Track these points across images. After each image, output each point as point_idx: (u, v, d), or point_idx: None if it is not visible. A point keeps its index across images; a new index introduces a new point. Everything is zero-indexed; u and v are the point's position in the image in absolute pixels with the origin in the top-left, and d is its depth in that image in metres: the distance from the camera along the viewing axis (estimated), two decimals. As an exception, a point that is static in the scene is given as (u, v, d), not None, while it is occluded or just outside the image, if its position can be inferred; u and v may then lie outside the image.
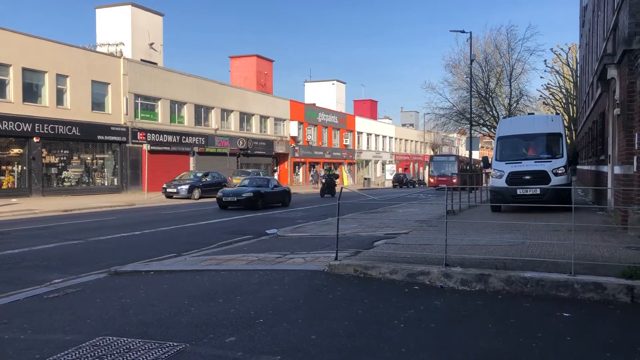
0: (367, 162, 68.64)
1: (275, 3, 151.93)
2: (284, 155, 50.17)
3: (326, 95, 67.05)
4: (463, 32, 35.02)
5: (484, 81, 43.02)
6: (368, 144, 68.85)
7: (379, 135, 71.59)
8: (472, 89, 37.47)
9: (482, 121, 44.80)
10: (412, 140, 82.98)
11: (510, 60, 42.02)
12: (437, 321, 5.27)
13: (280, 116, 50.26)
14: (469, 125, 37.45)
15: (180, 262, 8.92)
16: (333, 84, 67.94)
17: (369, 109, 76.54)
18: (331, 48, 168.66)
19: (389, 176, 62.42)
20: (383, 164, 70.83)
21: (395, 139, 76.97)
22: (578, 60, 40.00)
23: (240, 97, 44.70)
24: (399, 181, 57.69)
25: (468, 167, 42.24)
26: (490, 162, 15.99)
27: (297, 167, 53.18)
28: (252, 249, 10.50)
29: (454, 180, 35.07)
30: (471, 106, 37.00)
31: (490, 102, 43.11)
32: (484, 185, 23.76)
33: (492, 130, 42.61)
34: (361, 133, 66.69)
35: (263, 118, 47.62)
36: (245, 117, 45.20)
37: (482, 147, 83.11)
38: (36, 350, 4.45)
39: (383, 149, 72.96)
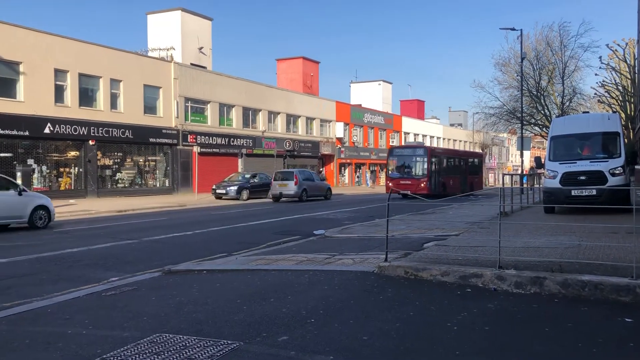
0: (414, 162, 67.85)
1: (322, 4, 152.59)
2: (329, 157, 50.28)
3: (372, 95, 66.79)
4: (513, 29, 34.20)
5: (535, 79, 41.81)
6: (415, 144, 68.12)
7: (426, 136, 70.75)
8: (523, 88, 36.47)
9: (533, 120, 43.47)
10: (460, 141, 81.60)
11: (563, 58, 40.64)
12: (491, 324, 5.17)
13: (326, 117, 50.39)
14: (519, 124, 36.53)
15: (231, 262, 9.07)
16: (379, 84, 67.62)
17: (416, 109, 75.77)
18: (377, 48, 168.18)
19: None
20: (430, 165, 69.87)
21: (443, 139, 75.89)
22: (636, 56, 38.40)
23: (287, 99, 45.09)
24: None
25: (462, 164, 37.27)
26: (543, 162, 15.53)
27: (342, 168, 53.20)
28: (300, 249, 10.56)
29: (422, 185, 30.03)
30: (522, 105, 36.07)
31: (542, 100, 41.84)
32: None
33: (543, 129, 41.20)
34: (408, 133, 66.11)
35: (309, 119, 47.86)
36: (291, 119, 45.55)
37: (534, 147, 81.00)
38: (97, 345, 4.61)
39: (430, 150, 71.96)
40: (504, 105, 43.51)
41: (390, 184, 30.12)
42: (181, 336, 4.79)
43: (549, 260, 7.25)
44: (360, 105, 60.55)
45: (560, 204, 14.19)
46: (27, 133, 25.47)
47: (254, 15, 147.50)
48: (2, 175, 16.13)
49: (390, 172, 32.17)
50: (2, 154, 24.96)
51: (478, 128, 65.26)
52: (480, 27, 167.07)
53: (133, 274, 8.38)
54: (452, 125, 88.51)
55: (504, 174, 18.64)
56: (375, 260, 8.33)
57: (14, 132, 24.99)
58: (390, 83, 70.14)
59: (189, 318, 5.49)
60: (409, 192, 26.15)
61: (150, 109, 32.60)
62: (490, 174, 78.72)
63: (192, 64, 37.29)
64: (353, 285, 6.89)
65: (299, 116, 46.42)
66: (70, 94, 27.92)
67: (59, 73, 27.42)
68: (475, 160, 41.08)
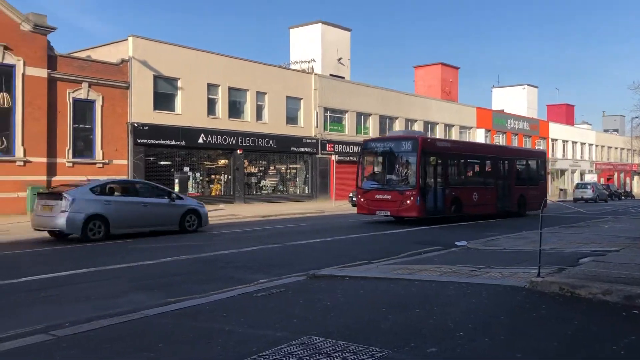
0: (563, 171, 63.41)
1: (460, 10, 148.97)
2: (469, 165, 48.63)
3: (516, 100, 63.64)
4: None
5: None
6: (564, 151, 63.64)
7: (576, 143, 65.77)
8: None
9: None
10: (616, 148, 74.72)
11: None
12: (668, 352, 4.63)
13: (466, 124, 48.90)
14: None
15: (373, 270, 9.11)
16: (523, 88, 64.26)
17: (564, 113, 70.74)
18: (521, 51, 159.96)
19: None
20: (581, 174, 64.83)
21: (596, 146, 69.98)
22: None
23: (424, 106, 44.50)
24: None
25: (500, 167, 23.55)
26: None
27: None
28: (442, 260, 10.31)
29: (408, 202, 18.36)
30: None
31: None
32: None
33: None
34: (555, 140, 61.92)
35: (448, 126, 46.78)
36: (429, 126, 44.84)
37: None
38: (253, 343, 4.86)
39: (581, 157, 66.82)
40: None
41: (362, 200, 19.79)
42: (330, 340, 4.88)
43: None
44: (502, 110, 58.01)
45: None
46: (183, 143, 27.85)
47: (391, 23, 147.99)
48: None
49: (362, 180, 20.30)
50: (162, 162, 27.52)
51: (638, 134, 59.34)
52: (636, 24, 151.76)
53: (280, 276, 8.74)
54: (605, 131, 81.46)
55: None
56: (525, 274, 7.88)
57: (173, 142, 27.45)
58: (536, 87, 66.36)
59: (336, 323, 5.59)
60: (388, 213, 19.17)
61: (291, 119, 34.05)
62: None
63: (331, 75, 38.32)
64: (503, 300, 6.57)
65: (437, 123, 45.55)
66: (221, 107, 30.06)
67: (211, 87, 29.64)
68: (529, 161, 26.83)
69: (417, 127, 43.29)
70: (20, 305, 7.07)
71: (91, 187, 14.42)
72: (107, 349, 4.90)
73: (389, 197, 18.86)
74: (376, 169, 20.67)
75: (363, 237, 15.44)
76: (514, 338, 5.04)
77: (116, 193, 15.08)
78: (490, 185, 22.67)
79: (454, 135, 47.13)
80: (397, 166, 19.55)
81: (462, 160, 21.96)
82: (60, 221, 13.55)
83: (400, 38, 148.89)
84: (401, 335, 5.10)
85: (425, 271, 8.65)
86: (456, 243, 13.25)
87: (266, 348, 4.69)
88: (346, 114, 37.47)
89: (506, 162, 24.11)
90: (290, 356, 4.45)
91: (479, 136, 49.38)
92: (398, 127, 41.28)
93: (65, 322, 5.85)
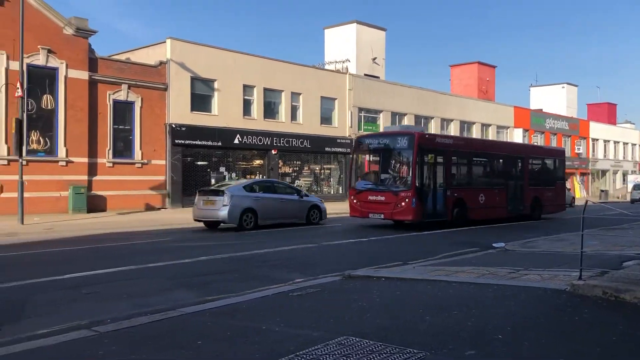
0: (604, 172, 61.69)
1: (498, 8, 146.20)
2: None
3: (555, 99, 62.22)
4: None
5: None
6: (605, 152, 61.88)
7: (618, 142, 63.89)
8: None
9: None
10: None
11: None
12: None
13: (503, 124, 48.06)
14: None
15: (408, 271, 9.04)
16: (563, 87, 62.77)
17: (606, 113, 68.75)
18: (560, 49, 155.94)
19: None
20: (624, 175, 62.92)
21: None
22: None
23: (460, 106, 43.92)
24: None
25: (512, 167, 21.87)
26: None
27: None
28: (480, 261, 10.16)
29: (403, 204, 16.84)
30: None
31: None
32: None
33: None
34: (596, 140, 60.29)
35: (484, 126, 46.05)
36: (465, 126, 44.22)
37: None
38: (290, 342, 4.89)
39: (624, 158, 64.88)
40: None
41: (354, 201, 18.46)
42: (367, 341, 4.87)
43: None
44: (541, 110, 56.80)
45: None
46: (219, 143, 28.18)
47: (427, 22, 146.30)
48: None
49: (355, 180, 19.24)
50: (199, 162, 27.92)
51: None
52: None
53: (315, 276, 8.76)
54: (650, 130, 78.70)
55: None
56: (566, 277, 7.69)
57: (209, 143, 27.80)
58: (576, 85, 64.73)
59: (372, 323, 5.57)
60: (382, 216, 17.58)
61: (326, 119, 34.08)
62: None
63: (365, 75, 38.20)
64: (543, 303, 6.43)
65: (474, 123, 44.89)
66: (256, 107, 30.30)
67: (247, 88, 29.92)
68: (546, 160, 24.89)
69: (453, 126, 42.76)
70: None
71: (243, 185, 17.56)
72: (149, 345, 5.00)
73: (382, 198, 17.48)
74: (370, 168, 19.39)
75: (397, 237, 15.35)
76: (556, 342, 4.92)
77: (260, 191, 17.80)
78: (499, 185, 20.83)
79: (491, 135, 46.38)
80: (392, 165, 18.14)
81: (467, 159, 20.06)
82: (223, 213, 16.25)
83: (436, 37, 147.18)
84: (439, 337, 5.04)
85: (462, 273, 8.54)
86: (493, 244, 13.07)
87: (303, 347, 4.71)
88: (381, 114, 37.29)
89: (518, 160, 22.30)
90: (327, 356, 4.45)
91: (516, 136, 48.50)
92: (434, 126, 40.87)
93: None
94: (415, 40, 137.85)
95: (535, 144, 46.81)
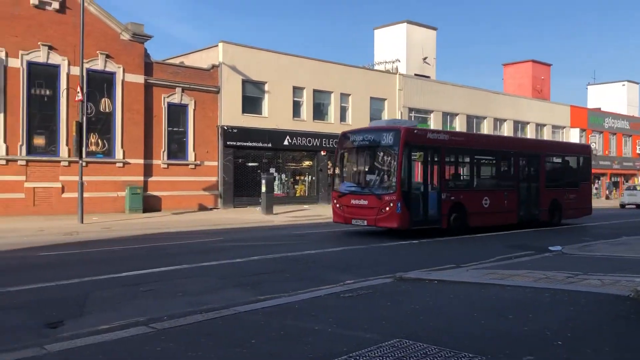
0: (667, 173, 58.85)
1: (553, 5, 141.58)
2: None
3: (614, 98, 59.80)
4: None
5: None
6: (669, 152, 59.03)
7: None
8: None
9: None
10: None
11: None
12: None
13: (559, 123, 46.57)
14: None
15: (461, 274, 8.88)
16: (623, 85, 60.27)
17: (670, 111, 65.56)
18: (620, 46, 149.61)
19: None
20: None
21: None
22: None
23: (514, 105, 42.84)
24: None
25: (525, 166, 19.48)
26: None
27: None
28: (535, 265, 9.88)
29: (387, 208, 14.80)
30: None
31: None
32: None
33: None
34: (660, 140, 57.55)
35: (539, 126, 44.74)
36: (519, 126, 43.10)
37: None
38: (343, 344, 4.88)
39: (689, 158, 61.68)
40: None
41: (337, 206, 16.52)
42: (420, 344, 4.81)
43: None
44: (599, 109, 54.74)
45: None
46: (269, 145, 28.50)
47: (479, 21, 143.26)
48: None
49: (339, 181, 17.10)
50: (250, 164, 28.31)
51: None
52: None
53: (365, 278, 8.72)
54: None
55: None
56: (628, 283, 7.39)
57: (260, 144, 28.16)
58: (637, 83, 61.99)
59: (425, 326, 5.50)
60: (365, 223, 15.57)
61: (375, 120, 33.85)
62: None
63: (416, 75, 37.80)
64: (604, 309, 6.19)
65: (528, 122, 43.68)
66: (306, 109, 30.48)
67: (297, 90, 30.13)
68: (567, 158, 22.15)
69: (507, 126, 41.72)
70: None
71: None
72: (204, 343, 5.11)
73: (366, 202, 15.45)
74: (354, 168, 17.12)
75: (447, 240, 15.10)
76: (620, 351, 4.72)
77: None
78: (508, 187, 18.48)
79: (546, 135, 45.00)
80: (377, 164, 16.02)
81: (468, 157, 17.68)
82: None
83: (488, 36, 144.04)
84: (494, 341, 4.93)
85: (517, 277, 8.33)
86: (550, 248, 12.69)
87: (355, 349, 4.69)
88: (431, 114, 36.80)
89: (533, 158, 19.59)
90: (381, 358, 4.42)
91: (573, 136, 46.89)
92: (486, 126, 40.03)
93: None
94: (467, 40, 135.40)
95: (557, 140, 42.64)
